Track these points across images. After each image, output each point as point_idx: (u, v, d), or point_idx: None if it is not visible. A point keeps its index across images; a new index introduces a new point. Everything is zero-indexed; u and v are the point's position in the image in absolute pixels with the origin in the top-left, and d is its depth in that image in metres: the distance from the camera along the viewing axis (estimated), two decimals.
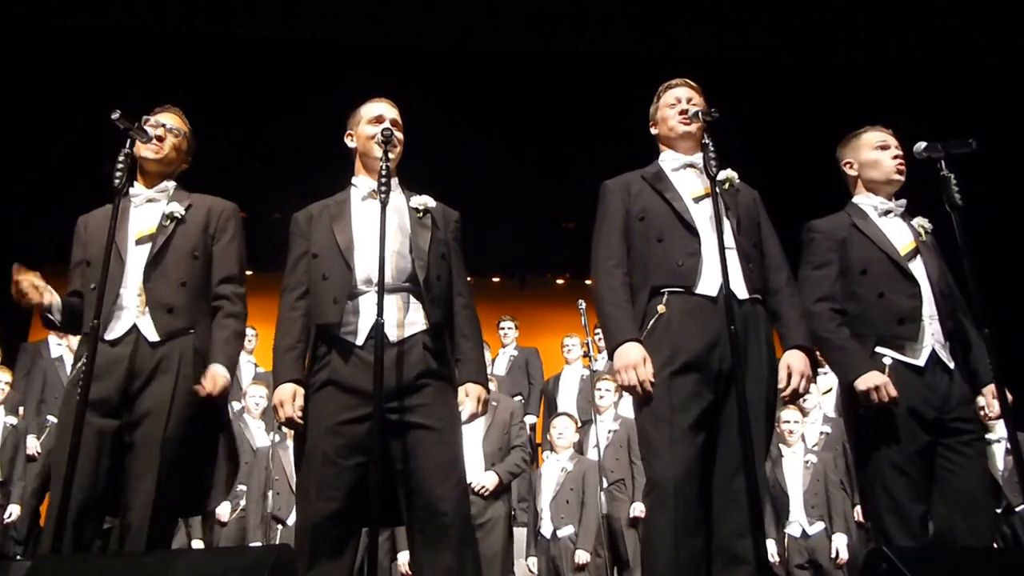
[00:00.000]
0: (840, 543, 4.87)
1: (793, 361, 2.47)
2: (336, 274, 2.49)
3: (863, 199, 2.85)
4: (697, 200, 2.59)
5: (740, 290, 2.44)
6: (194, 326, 2.63)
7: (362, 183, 2.65)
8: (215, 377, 2.55)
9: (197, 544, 5.15)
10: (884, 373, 2.55)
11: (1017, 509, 4.68)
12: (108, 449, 2.48)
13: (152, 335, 2.56)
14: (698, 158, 2.63)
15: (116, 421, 2.50)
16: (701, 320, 2.42)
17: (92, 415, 2.41)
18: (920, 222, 2.84)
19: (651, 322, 2.47)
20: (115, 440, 2.50)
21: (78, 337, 2.72)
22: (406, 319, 2.44)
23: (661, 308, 2.46)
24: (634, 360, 2.38)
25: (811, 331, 2.62)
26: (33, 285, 2.57)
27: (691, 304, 2.45)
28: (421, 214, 2.61)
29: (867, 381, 2.51)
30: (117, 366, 2.51)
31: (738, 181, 2.66)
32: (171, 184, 2.81)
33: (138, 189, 2.75)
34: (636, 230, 2.60)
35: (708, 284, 2.46)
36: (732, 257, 2.43)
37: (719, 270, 2.32)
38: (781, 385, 2.47)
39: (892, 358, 2.58)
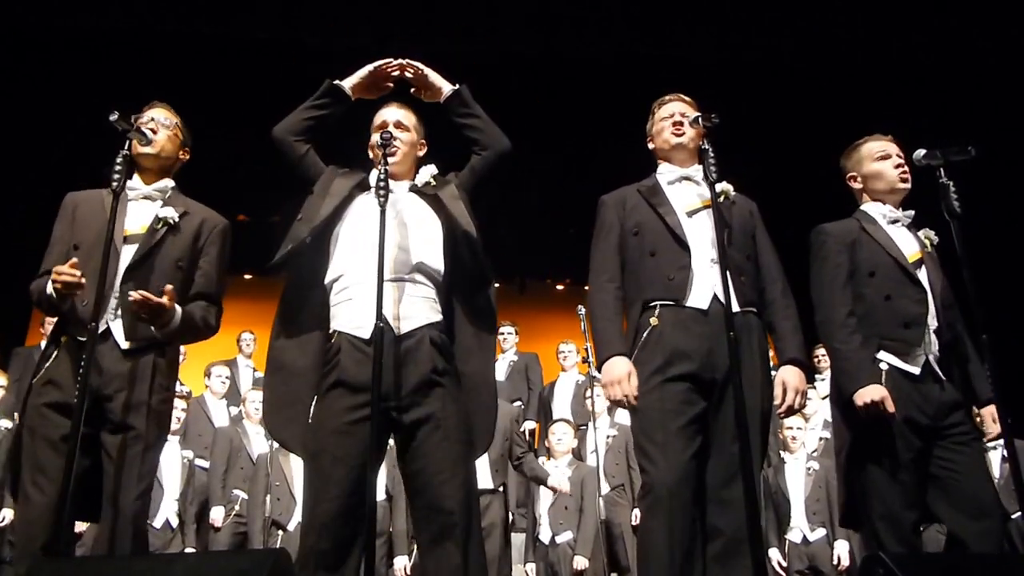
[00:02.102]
0: (842, 549, 4.83)
1: (788, 377, 2.49)
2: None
3: (871, 207, 2.85)
4: (691, 214, 2.61)
5: (732, 303, 2.43)
6: None
7: (375, 179, 2.64)
8: (165, 302, 2.47)
9: (191, 551, 5.12)
10: (881, 380, 2.54)
11: (1013, 516, 4.66)
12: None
13: (124, 342, 2.54)
14: (694, 170, 2.66)
15: (85, 428, 2.45)
16: (693, 331, 2.45)
17: (60, 419, 2.44)
18: (927, 233, 2.83)
19: (644, 334, 2.49)
20: (83, 444, 2.46)
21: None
22: (405, 312, 2.42)
23: (654, 321, 2.49)
24: (619, 375, 2.45)
25: (823, 338, 2.68)
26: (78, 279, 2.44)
27: (682, 316, 2.48)
28: (431, 185, 2.63)
29: (866, 395, 2.50)
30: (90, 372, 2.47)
31: (734, 193, 2.67)
32: (169, 184, 2.77)
33: (135, 183, 2.69)
34: (630, 244, 2.62)
35: (698, 297, 2.49)
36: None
37: (708, 284, 2.39)
38: (777, 401, 2.48)
39: (889, 364, 2.58)
